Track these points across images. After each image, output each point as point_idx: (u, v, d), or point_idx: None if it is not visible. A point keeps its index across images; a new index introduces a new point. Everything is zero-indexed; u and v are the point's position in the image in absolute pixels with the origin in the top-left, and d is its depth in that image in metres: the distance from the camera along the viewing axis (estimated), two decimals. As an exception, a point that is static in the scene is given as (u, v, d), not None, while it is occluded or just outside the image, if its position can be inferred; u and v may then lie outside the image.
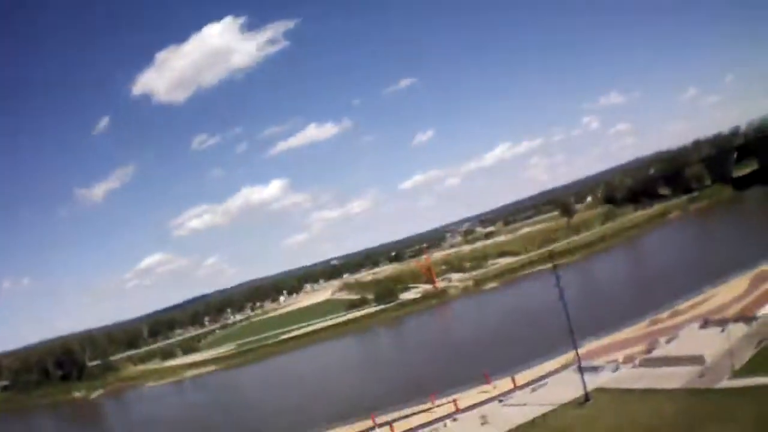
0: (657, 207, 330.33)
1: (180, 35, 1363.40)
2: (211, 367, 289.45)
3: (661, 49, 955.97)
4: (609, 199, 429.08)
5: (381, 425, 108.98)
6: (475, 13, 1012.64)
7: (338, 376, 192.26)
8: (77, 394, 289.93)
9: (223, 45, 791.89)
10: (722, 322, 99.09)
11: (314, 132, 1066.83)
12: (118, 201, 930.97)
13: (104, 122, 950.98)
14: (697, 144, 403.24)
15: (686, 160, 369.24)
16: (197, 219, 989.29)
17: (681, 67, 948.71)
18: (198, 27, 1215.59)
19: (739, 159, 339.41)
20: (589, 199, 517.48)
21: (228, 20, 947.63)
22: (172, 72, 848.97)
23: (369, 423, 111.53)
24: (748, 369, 78.28)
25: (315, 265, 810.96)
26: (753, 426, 61.83)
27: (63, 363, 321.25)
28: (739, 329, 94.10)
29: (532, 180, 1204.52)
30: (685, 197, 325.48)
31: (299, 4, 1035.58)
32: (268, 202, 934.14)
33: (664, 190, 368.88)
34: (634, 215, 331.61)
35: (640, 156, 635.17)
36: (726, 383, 76.64)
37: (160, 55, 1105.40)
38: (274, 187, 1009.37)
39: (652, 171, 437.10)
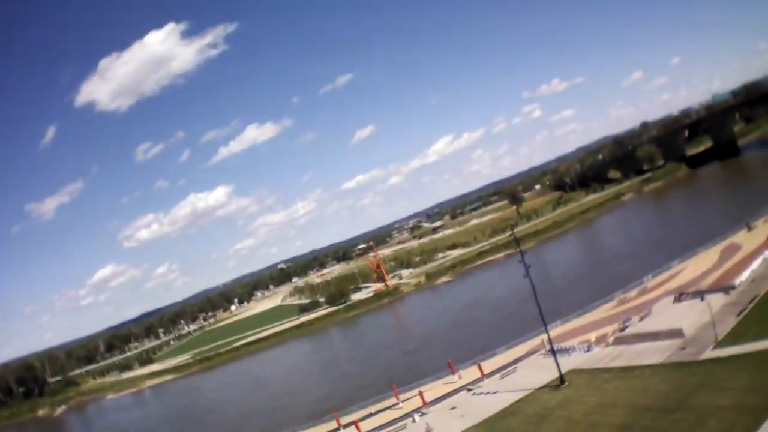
0: (609, 190, 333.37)
1: (122, 42, 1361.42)
2: (169, 377, 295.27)
3: (604, 33, 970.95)
4: (558, 186, 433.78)
5: (346, 425, 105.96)
6: (409, 6, 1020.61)
7: (297, 378, 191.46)
8: (41, 412, 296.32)
9: (164, 51, 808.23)
10: (698, 294, 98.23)
11: (255, 133, 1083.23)
12: (69, 215, 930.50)
13: (50, 134, 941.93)
14: (646, 126, 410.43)
15: (636, 142, 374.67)
16: (146, 229, 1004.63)
17: (626, 51, 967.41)
18: (140, 33, 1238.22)
19: (691, 137, 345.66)
20: (537, 186, 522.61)
21: (170, 26, 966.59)
22: (115, 80, 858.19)
23: (334, 424, 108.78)
24: (732, 338, 77.01)
25: (264, 270, 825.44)
26: (745, 393, 60.07)
27: (24, 381, 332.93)
28: (717, 299, 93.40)
29: (476, 173, 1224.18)
30: (637, 179, 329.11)
31: (240, 7, 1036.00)
32: (214, 208, 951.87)
33: (615, 174, 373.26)
34: (586, 199, 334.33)
35: (587, 143, 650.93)
36: (711, 353, 75.03)
37: (103, 63, 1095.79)
38: (219, 193, 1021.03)
39: (600, 156, 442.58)
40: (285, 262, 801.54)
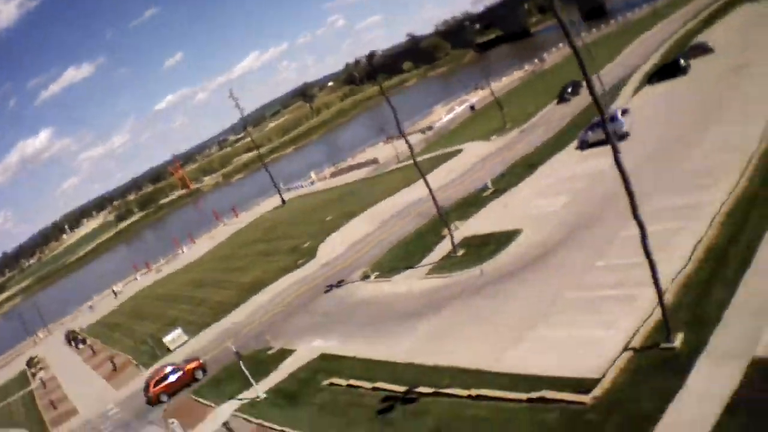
0: (396, 79, 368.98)
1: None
2: (18, 299, 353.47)
3: None
4: (350, 81, 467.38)
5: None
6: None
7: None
8: None
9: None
10: (399, 136, 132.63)
11: (73, 73, 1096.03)
12: None
13: None
14: (446, 22, 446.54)
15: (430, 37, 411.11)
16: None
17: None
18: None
19: (485, 29, 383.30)
20: (330, 83, 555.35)
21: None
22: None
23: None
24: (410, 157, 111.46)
25: (90, 203, 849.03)
26: (400, 179, 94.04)
27: None
28: (415, 137, 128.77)
29: (283, 82, 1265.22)
30: (425, 67, 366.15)
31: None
32: (40, 151, 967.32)
33: (407, 65, 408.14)
34: (372, 89, 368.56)
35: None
36: (392, 167, 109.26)
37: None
38: (43, 137, 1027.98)
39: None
40: (109, 193, 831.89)
